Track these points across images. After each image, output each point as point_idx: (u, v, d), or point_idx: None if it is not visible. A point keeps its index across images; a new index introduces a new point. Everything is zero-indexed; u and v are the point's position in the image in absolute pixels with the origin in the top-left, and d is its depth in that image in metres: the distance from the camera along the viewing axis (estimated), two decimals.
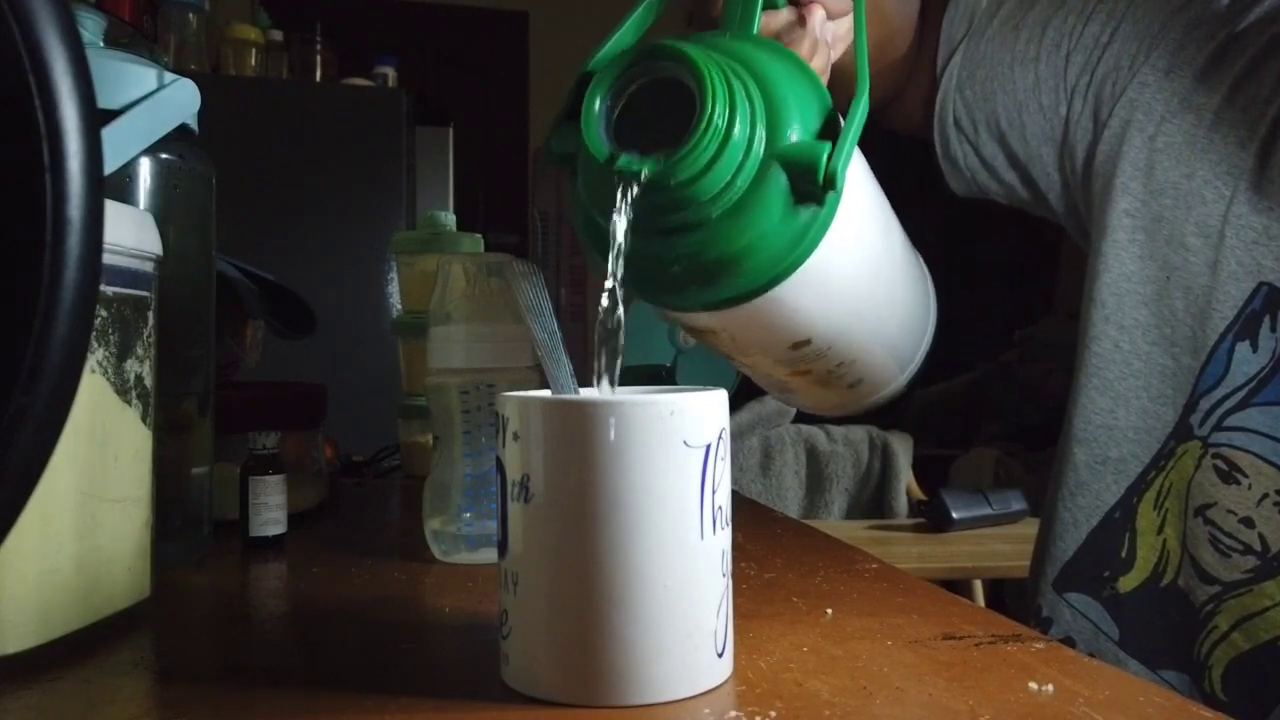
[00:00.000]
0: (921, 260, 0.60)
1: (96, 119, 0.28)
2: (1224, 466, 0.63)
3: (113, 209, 0.37)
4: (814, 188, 0.39)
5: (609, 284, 0.39)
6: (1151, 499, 0.67)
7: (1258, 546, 0.61)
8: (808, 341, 0.47)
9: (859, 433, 2.62)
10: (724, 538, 0.37)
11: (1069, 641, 0.69)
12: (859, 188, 0.46)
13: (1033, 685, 0.36)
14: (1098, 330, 0.69)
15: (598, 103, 0.40)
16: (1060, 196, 0.74)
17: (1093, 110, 0.70)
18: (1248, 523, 0.61)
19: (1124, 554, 0.68)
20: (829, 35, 0.52)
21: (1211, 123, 0.65)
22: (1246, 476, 0.61)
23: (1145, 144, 0.67)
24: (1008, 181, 0.76)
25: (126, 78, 0.55)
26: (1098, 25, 0.70)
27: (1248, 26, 0.65)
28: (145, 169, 0.57)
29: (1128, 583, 0.67)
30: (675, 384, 0.51)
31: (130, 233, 0.46)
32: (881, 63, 0.71)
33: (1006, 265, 4.08)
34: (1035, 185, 0.75)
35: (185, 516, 0.59)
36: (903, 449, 2.60)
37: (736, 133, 0.38)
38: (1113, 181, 0.69)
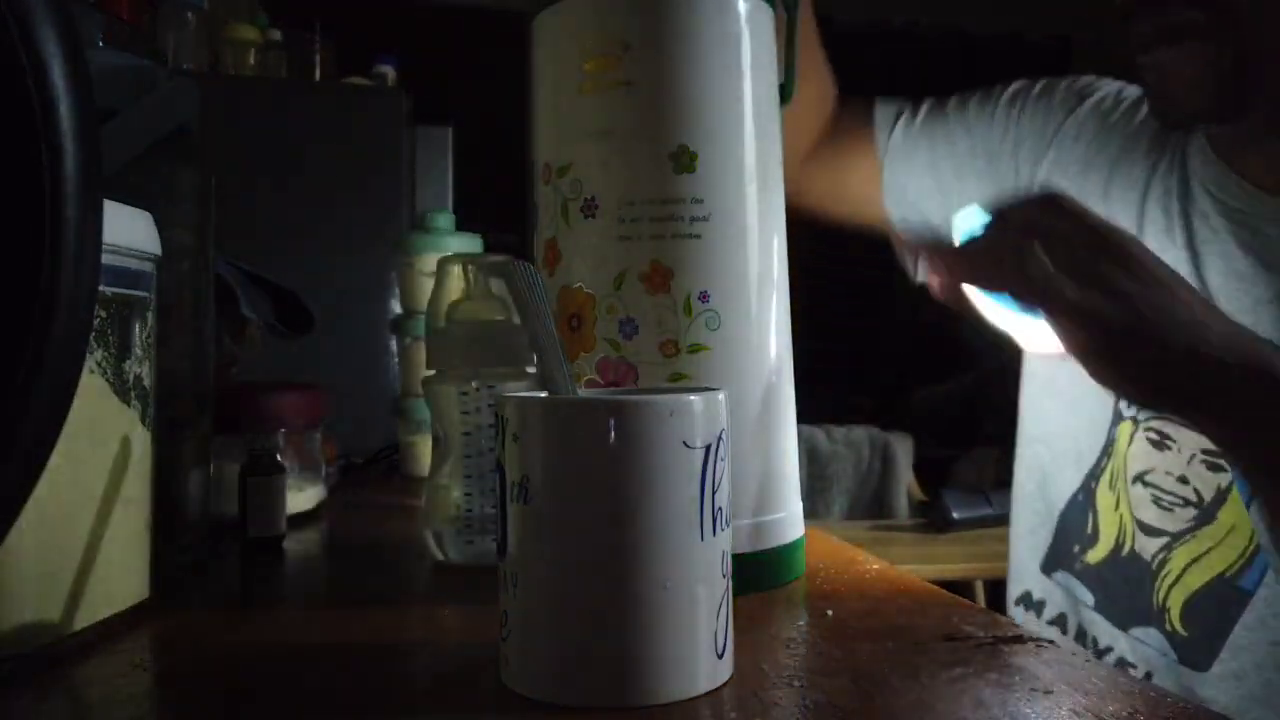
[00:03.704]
0: None
1: (95, 119, 0.28)
2: (1155, 437, 0.72)
3: (112, 209, 0.36)
4: None
5: None
6: (1106, 481, 0.76)
7: (1194, 499, 0.70)
8: None
9: (860, 433, 2.62)
10: (724, 539, 0.37)
11: (1061, 620, 0.79)
12: None
13: (1034, 687, 0.36)
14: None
15: None
16: None
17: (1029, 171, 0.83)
18: (1183, 480, 0.71)
19: (1089, 530, 0.77)
20: None
21: (1106, 174, 0.79)
22: (1175, 441, 0.71)
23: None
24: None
25: (125, 77, 0.55)
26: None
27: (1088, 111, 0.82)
28: (145, 169, 0.56)
29: (1094, 555, 0.77)
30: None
31: (130, 233, 0.46)
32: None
33: None
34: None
35: (185, 517, 0.59)
36: (903, 449, 2.60)
37: None
38: None
